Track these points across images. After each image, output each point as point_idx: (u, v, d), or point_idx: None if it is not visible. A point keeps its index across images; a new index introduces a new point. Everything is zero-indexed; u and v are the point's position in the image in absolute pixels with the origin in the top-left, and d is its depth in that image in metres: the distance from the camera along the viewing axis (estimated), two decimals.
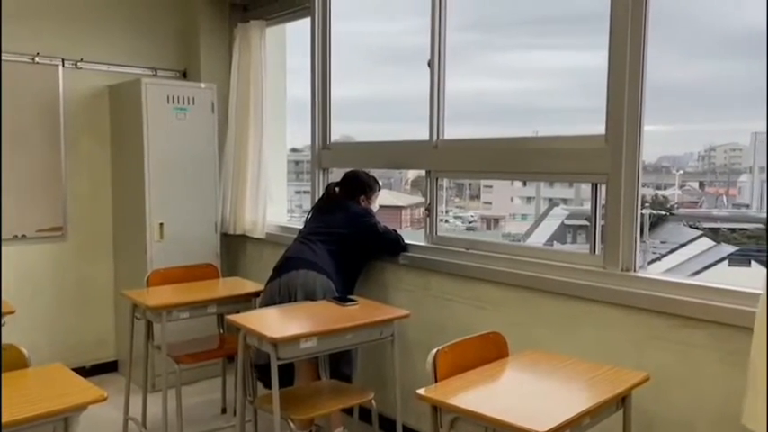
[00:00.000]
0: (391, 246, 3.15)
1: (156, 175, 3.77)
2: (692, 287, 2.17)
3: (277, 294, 2.92)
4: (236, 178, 4.13)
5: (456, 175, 3.72)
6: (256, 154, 4.02)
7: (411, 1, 3.46)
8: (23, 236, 3.77)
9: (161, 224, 3.80)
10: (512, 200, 8.38)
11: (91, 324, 4.06)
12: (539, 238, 6.83)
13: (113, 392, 1.95)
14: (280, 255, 3.13)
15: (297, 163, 5.40)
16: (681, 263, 5.24)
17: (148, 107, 3.72)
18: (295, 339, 2.35)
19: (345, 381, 2.91)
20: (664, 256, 5.46)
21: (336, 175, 3.63)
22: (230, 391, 3.46)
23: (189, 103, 3.87)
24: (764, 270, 1.79)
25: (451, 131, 3.10)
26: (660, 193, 6.12)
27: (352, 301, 2.77)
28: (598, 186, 2.52)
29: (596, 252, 2.53)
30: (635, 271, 2.35)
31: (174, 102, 3.82)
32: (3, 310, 2.63)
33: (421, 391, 1.83)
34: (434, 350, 1.95)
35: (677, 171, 6.27)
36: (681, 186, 6.36)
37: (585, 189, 2.81)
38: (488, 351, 2.12)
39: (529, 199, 8.31)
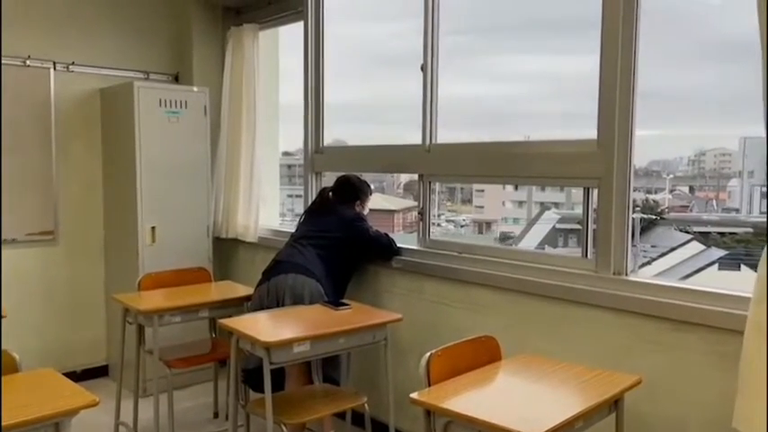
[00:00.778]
0: (383, 250, 3.15)
1: (148, 179, 3.75)
2: (683, 291, 2.18)
3: (266, 298, 2.92)
4: (228, 182, 4.12)
5: (449, 179, 3.73)
6: (249, 158, 4.01)
7: (404, 5, 3.47)
8: (14, 239, 3.74)
9: (153, 228, 3.78)
10: (503, 204, 8.40)
11: (82, 328, 4.03)
12: (530, 242, 6.86)
13: (104, 397, 1.94)
14: (272, 259, 3.12)
15: (289, 167, 5.40)
16: (671, 266, 5.27)
17: (140, 110, 3.70)
18: (288, 343, 2.35)
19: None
20: (654, 259, 5.49)
21: (329, 178, 3.63)
22: (222, 395, 3.44)
23: (181, 107, 3.86)
24: (754, 274, 1.80)
25: (444, 135, 3.11)
26: (651, 197, 6.16)
27: (345, 305, 2.77)
28: (590, 190, 2.53)
29: (588, 256, 2.54)
30: (626, 275, 2.37)
31: (166, 105, 3.81)
32: None
33: (414, 395, 1.83)
34: (428, 354, 1.96)
35: (667, 175, 6.31)
36: (671, 190, 6.41)
37: (576, 193, 2.83)
38: (481, 355, 2.13)
39: (520, 203, 8.34)
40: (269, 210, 4.25)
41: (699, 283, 2.26)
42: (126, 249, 3.85)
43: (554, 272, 2.54)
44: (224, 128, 4.11)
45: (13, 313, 3.52)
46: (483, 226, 8.22)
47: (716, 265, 5.23)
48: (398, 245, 3.18)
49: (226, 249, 4.26)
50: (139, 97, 3.70)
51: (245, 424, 2.97)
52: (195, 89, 3.99)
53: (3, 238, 3.68)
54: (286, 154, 4.98)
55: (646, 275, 2.47)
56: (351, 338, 2.53)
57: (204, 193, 4.02)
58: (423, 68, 3.08)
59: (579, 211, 2.65)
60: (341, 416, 2.96)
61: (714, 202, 6.19)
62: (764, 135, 1.74)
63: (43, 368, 2.00)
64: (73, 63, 3.90)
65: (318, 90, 3.71)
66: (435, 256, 3.03)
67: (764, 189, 5.39)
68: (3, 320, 2.71)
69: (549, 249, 5.92)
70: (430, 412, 1.82)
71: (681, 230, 6.00)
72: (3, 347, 1.99)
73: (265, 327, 2.56)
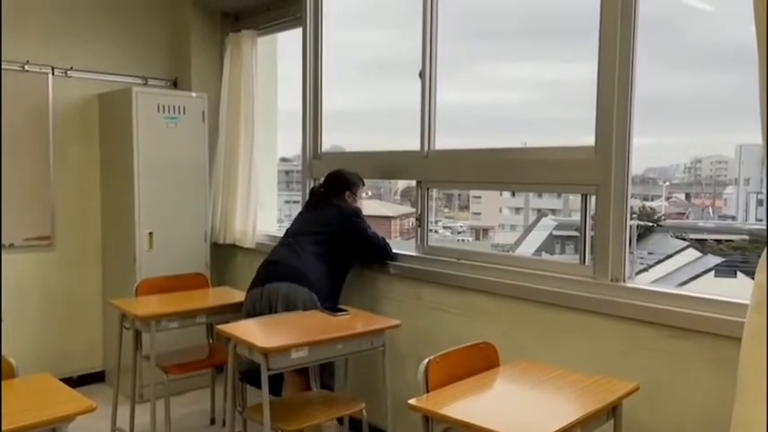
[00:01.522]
0: (379, 252, 3.14)
1: (146, 184, 3.75)
2: (681, 297, 2.19)
3: (258, 302, 2.91)
4: (226, 188, 4.12)
5: (447, 186, 3.74)
6: (247, 163, 4.02)
7: (402, 12, 3.48)
8: (11, 245, 3.73)
9: (150, 233, 3.78)
10: (500, 210, 8.41)
11: (78, 333, 4.02)
12: (527, 249, 6.85)
13: (101, 403, 1.93)
14: (266, 258, 3.10)
15: (287, 173, 5.39)
16: (668, 273, 5.28)
17: (138, 116, 3.71)
18: (286, 349, 2.35)
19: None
20: (651, 266, 5.50)
21: None
22: (219, 401, 3.43)
23: (179, 113, 3.87)
24: (750, 281, 1.81)
25: (443, 142, 3.12)
26: (647, 204, 6.17)
27: (344, 310, 2.77)
28: (588, 197, 2.54)
29: (586, 262, 2.55)
30: (624, 281, 2.37)
31: (164, 111, 3.81)
32: None
33: (412, 402, 1.83)
34: (426, 360, 1.96)
35: (664, 182, 6.33)
36: (667, 198, 6.42)
37: (574, 200, 2.84)
38: (479, 361, 2.13)
39: (518, 209, 8.34)
40: (267, 215, 4.26)
41: (696, 289, 2.27)
42: (123, 255, 3.84)
43: (552, 278, 2.55)
44: (222, 133, 4.12)
45: (11, 318, 3.52)
46: (480, 232, 8.22)
47: (712, 272, 5.24)
48: (396, 251, 3.18)
49: (223, 255, 4.26)
50: (138, 103, 3.71)
51: (242, 430, 2.96)
52: (193, 95, 4.00)
53: (1, 243, 3.67)
54: (284, 160, 4.99)
55: (643, 282, 2.47)
56: (349, 344, 2.53)
57: (202, 199, 4.02)
58: (421, 75, 3.09)
59: (576, 217, 2.66)
60: (339, 422, 2.96)
61: (710, 209, 6.21)
62: (761, 142, 1.75)
63: (40, 373, 1.99)
64: (71, 68, 3.90)
65: (317, 96, 3.72)
66: (433, 262, 3.03)
67: (760, 196, 5.41)
68: (1, 324, 2.71)
69: (545, 256, 5.92)
70: (428, 418, 1.82)
71: (677, 237, 6.01)
72: (1, 352, 1.98)
73: (263, 332, 2.56)
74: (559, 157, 2.59)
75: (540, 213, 7.66)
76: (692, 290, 2.26)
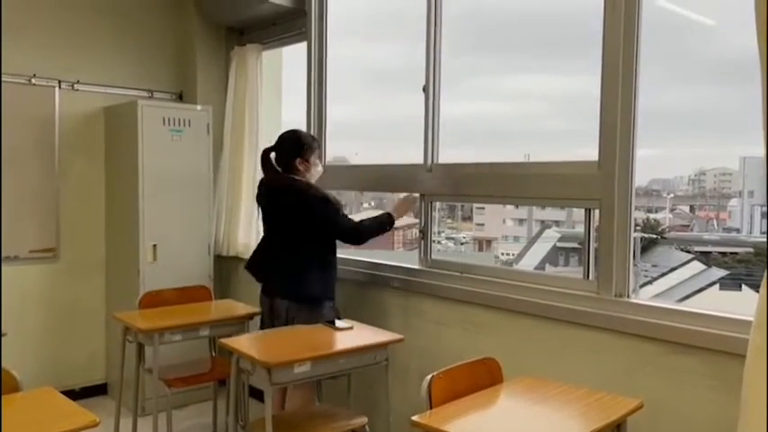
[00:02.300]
0: (348, 234, 3.01)
1: (151, 197, 3.77)
2: (685, 313, 2.18)
3: (268, 313, 3.01)
4: (230, 200, 4.13)
5: (450, 199, 3.74)
6: (251, 176, 4.03)
7: (406, 26, 3.51)
8: (16, 256, 3.74)
9: (154, 246, 3.79)
10: (504, 221, 8.40)
11: (81, 346, 4.02)
12: (531, 261, 6.84)
13: (103, 416, 1.93)
14: (257, 251, 3.14)
15: None
16: (672, 286, 5.25)
17: (144, 129, 3.73)
18: (289, 364, 2.34)
19: None
20: (655, 279, 5.48)
21: None
22: (221, 415, 3.42)
23: (184, 125, 3.89)
24: (756, 294, 1.80)
25: (445, 154, 3.12)
26: (651, 216, 6.15)
27: (347, 325, 2.76)
28: (591, 211, 2.54)
29: (590, 277, 2.54)
30: (628, 296, 2.36)
31: (169, 123, 3.83)
32: None
33: (416, 418, 1.82)
34: (429, 376, 1.95)
35: (668, 194, 6.31)
36: (672, 210, 6.41)
37: (578, 211, 2.83)
38: (483, 377, 2.12)
39: (521, 221, 8.33)
40: None
41: (700, 305, 2.26)
42: (127, 267, 3.85)
43: (556, 293, 2.54)
44: (226, 146, 4.14)
45: (14, 330, 3.52)
46: (483, 244, 8.21)
47: (717, 285, 5.21)
48: (398, 263, 3.17)
49: (227, 267, 4.26)
50: (143, 115, 3.73)
51: None
52: (198, 108, 4.02)
53: (5, 255, 3.68)
54: None
55: (647, 296, 2.47)
56: (351, 359, 2.52)
57: (206, 212, 4.03)
58: (425, 89, 3.10)
59: (580, 229, 2.65)
60: None
61: (714, 221, 6.19)
62: (764, 155, 1.75)
63: (43, 387, 1.99)
64: (78, 82, 3.93)
65: (321, 110, 3.73)
66: (437, 275, 3.03)
67: (764, 209, 5.40)
68: (3, 338, 2.71)
69: (549, 268, 5.90)
70: None
71: (682, 250, 5.99)
72: (3, 365, 1.98)
73: (266, 347, 2.55)
74: (563, 171, 2.59)
75: (544, 225, 7.65)
76: (696, 306, 2.25)
